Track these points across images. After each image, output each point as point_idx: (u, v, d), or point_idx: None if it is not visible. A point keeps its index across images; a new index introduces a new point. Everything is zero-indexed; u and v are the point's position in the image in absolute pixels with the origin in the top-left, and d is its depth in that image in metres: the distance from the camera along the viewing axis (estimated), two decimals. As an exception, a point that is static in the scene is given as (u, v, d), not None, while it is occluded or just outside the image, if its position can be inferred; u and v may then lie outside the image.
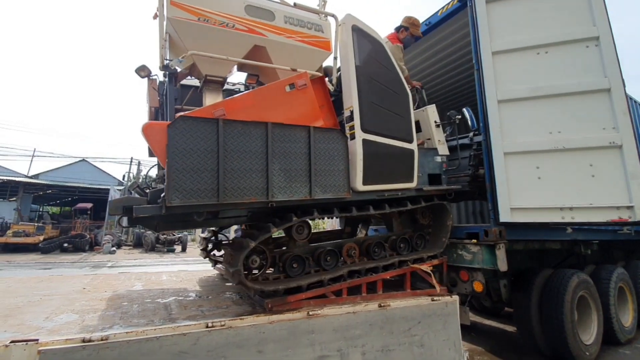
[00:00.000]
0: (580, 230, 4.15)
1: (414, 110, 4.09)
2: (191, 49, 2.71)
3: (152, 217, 2.48)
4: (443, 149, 3.94)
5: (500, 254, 3.52)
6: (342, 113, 3.24)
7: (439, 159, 3.89)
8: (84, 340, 1.94)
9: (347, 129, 3.10)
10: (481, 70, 3.74)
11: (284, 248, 3.39)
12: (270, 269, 2.92)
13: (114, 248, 17.32)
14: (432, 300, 3.09)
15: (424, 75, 5.83)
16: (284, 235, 3.45)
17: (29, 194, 23.33)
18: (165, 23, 2.70)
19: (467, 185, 4.09)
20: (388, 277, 3.23)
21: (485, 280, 3.76)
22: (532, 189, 3.48)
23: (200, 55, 2.73)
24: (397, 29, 4.17)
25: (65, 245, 16.81)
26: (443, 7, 4.33)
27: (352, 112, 3.03)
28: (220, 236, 4.36)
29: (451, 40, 4.80)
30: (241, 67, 3.17)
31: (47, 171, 30.94)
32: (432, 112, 4.00)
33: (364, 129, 3.05)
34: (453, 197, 4.37)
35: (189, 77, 3.33)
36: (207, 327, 2.17)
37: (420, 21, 4.29)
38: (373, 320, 2.72)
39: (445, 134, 4.36)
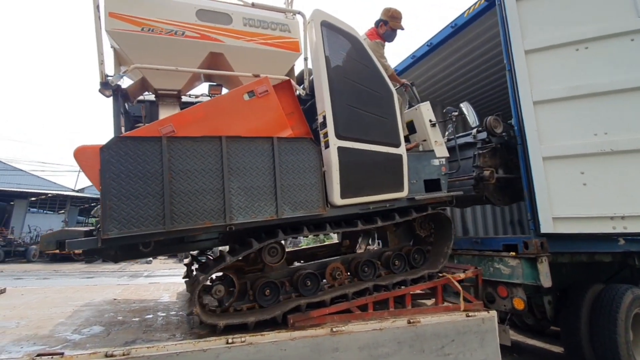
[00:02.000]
0: (634, 241, 3.74)
1: (407, 109, 3.84)
2: (137, 61, 2.52)
3: (108, 247, 2.28)
4: (441, 151, 3.48)
5: (543, 268, 3.23)
6: (316, 120, 2.94)
7: (436, 162, 3.42)
8: (106, 355, 1.94)
9: (321, 136, 2.80)
10: (513, 71, 3.53)
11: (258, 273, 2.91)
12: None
13: (151, 258, 17.99)
14: (467, 316, 2.86)
15: (452, 79, 5.63)
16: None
17: (75, 206, 24.97)
18: (104, 36, 2.48)
19: (472, 188, 3.74)
20: (418, 291, 3.05)
21: (526, 297, 3.46)
22: (576, 196, 3.19)
23: (145, 68, 2.54)
24: (377, 24, 3.82)
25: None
26: (470, 8, 4.15)
27: (324, 117, 2.72)
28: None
29: (479, 42, 4.59)
30: (207, 78, 2.98)
31: (91, 185, 32.95)
32: (426, 110, 3.60)
33: (339, 136, 2.72)
34: (457, 203, 4.03)
35: (146, 93, 3.09)
36: (227, 343, 2.11)
37: (402, 14, 3.82)
38: (402, 337, 2.54)
39: (447, 133, 4.08)
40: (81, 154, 2.19)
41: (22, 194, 23.32)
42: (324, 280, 2.86)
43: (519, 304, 3.41)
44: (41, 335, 2.33)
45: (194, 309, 2.25)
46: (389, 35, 3.79)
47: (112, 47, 2.63)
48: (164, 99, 2.80)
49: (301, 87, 3.15)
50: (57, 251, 2.17)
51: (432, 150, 3.45)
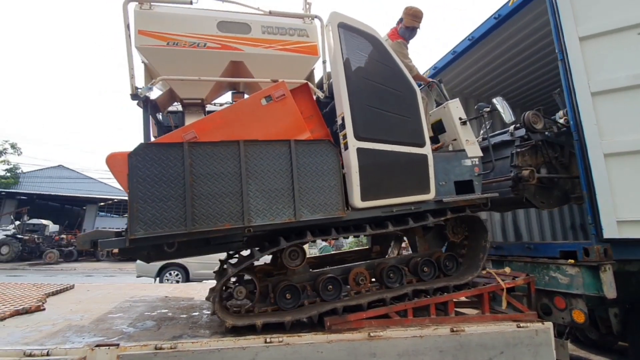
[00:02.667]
0: None
1: (435, 109, 3.66)
2: (164, 73, 2.66)
3: (140, 248, 2.40)
4: (473, 150, 3.27)
5: (607, 277, 2.92)
6: (336, 122, 2.91)
7: (468, 162, 3.22)
8: (156, 348, 2.09)
9: (340, 138, 2.77)
10: (566, 60, 3.25)
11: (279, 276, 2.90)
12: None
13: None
14: (518, 326, 2.66)
15: (496, 74, 5.31)
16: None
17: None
18: (133, 51, 2.65)
19: (511, 190, 3.44)
20: (463, 298, 2.89)
21: (588, 309, 3.14)
22: (646, 196, 2.84)
23: (170, 79, 2.69)
24: (398, 23, 3.71)
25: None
26: (514, -4, 3.90)
27: (343, 119, 2.70)
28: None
29: (526, 33, 4.28)
30: (231, 86, 3.05)
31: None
32: (454, 108, 3.41)
33: (358, 137, 2.68)
34: (495, 207, 3.80)
35: (176, 103, 3.21)
36: (265, 342, 2.17)
37: (423, 14, 3.64)
38: (444, 346, 2.42)
39: (482, 132, 3.80)
40: (112, 160, 2.35)
41: (93, 200, 25.98)
42: (348, 286, 2.81)
43: (579, 316, 3.10)
44: (101, 327, 2.55)
45: (214, 308, 2.34)
46: (409, 34, 3.68)
47: (142, 61, 2.81)
48: (190, 108, 2.94)
49: (321, 90, 3.17)
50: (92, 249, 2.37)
51: (463, 150, 3.25)
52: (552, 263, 3.28)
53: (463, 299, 3.19)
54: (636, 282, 3.60)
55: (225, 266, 2.72)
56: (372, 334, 2.34)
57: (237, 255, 2.84)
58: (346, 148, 2.68)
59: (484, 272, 3.20)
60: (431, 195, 2.91)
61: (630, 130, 2.94)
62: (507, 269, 3.47)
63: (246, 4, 2.98)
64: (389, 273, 2.87)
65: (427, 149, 2.96)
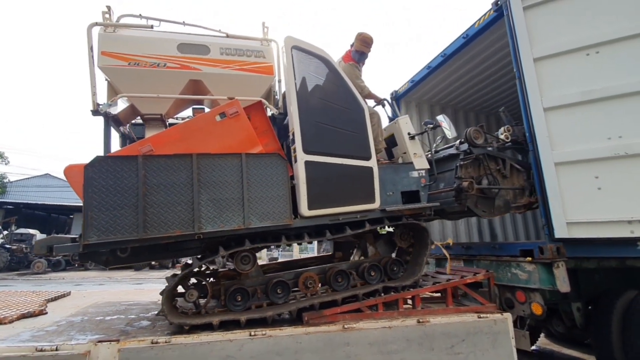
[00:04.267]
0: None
1: (389, 123, 3.92)
2: (125, 91, 2.89)
3: (101, 252, 2.57)
4: (420, 163, 3.52)
5: (560, 273, 3.25)
6: (289, 137, 3.11)
7: (415, 174, 3.46)
8: (152, 342, 2.34)
9: (292, 152, 2.96)
10: (523, 79, 3.61)
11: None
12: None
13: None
14: (479, 317, 2.98)
15: (467, 87, 5.71)
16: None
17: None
18: (97, 71, 2.83)
19: (454, 201, 3.62)
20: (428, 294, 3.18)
21: (546, 302, 3.46)
22: (591, 200, 3.20)
23: (130, 96, 2.91)
24: (350, 46, 3.98)
25: (153, 263, 18.99)
26: (480, 19, 4.27)
27: (294, 134, 2.91)
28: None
29: (491, 51, 4.67)
30: (194, 102, 3.28)
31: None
32: (404, 124, 3.68)
33: (307, 151, 2.88)
34: (447, 215, 4.13)
35: (138, 118, 3.36)
36: (250, 335, 2.44)
37: (373, 40, 3.88)
38: (411, 335, 2.73)
39: (434, 145, 4.08)
40: (69, 172, 2.53)
41: (80, 208, 25.50)
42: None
43: (537, 309, 3.43)
44: (101, 327, 2.79)
45: (162, 308, 2.54)
46: (359, 57, 3.91)
47: (105, 79, 2.99)
48: (150, 122, 3.13)
49: (277, 107, 3.40)
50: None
51: (411, 163, 3.50)
52: (513, 261, 3.60)
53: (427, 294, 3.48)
54: (599, 279, 3.94)
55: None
56: (346, 326, 2.63)
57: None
58: (296, 161, 2.88)
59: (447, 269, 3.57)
60: (376, 205, 3.12)
61: (578, 142, 3.30)
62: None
63: (208, 27, 3.25)
64: (337, 277, 3.07)
65: (372, 162, 3.17)
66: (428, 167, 3.54)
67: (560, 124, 3.40)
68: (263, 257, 22.15)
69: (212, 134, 2.75)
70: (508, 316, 3.06)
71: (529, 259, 3.45)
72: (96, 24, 2.83)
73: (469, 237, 6.18)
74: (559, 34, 3.50)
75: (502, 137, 3.91)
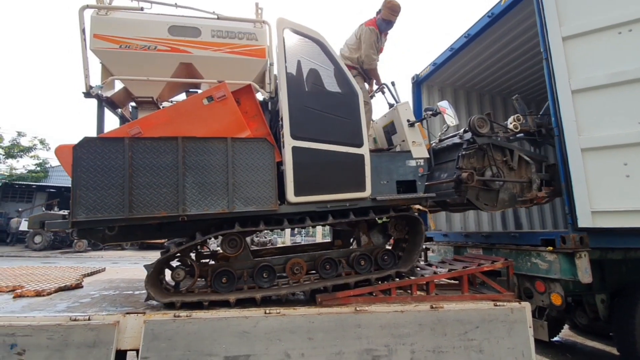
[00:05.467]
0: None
1: (389, 110, 3.78)
2: (118, 74, 2.90)
3: (97, 230, 2.65)
4: (419, 152, 3.35)
5: (582, 263, 3.14)
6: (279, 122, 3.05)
7: (413, 162, 3.30)
8: (174, 316, 2.51)
9: (281, 137, 2.92)
10: (550, 60, 3.43)
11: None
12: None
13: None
14: (495, 305, 2.96)
15: (492, 71, 5.47)
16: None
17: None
18: (90, 54, 2.84)
19: (454, 192, 3.37)
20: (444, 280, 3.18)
21: (569, 293, 3.37)
22: (619, 188, 3.06)
23: (121, 79, 2.93)
24: (377, 13, 3.82)
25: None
26: (506, -4, 4.07)
27: (283, 119, 2.85)
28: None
29: (519, 30, 4.44)
30: (189, 85, 3.25)
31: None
32: (403, 111, 3.51)
33: (294, 136, 2.83)
34: (448, 207, 3.91)
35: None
36: (265, 313, 2.56)
37: (400, 8, 3.73)
38: (423, 320, 2.76)
39: (439, 134, 3.91)
40: (60, 152, 2.60)
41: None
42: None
43: (557, 299, 3.35)
44: (130, 300, 3.01)
45: (147, 288, 2.64)
46: (385, 26, 3.77)
47: (100, 62, 3.01)
48: (143, 105, 3.15)
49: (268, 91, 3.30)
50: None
51: (409, 151, 3.36)
52: (534, 250, 3.51)
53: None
54: (625, 270, 3.80)
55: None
56: (358, 309, 2.70)
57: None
58: (284, 146, 2.86)
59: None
60: (367, 194, 3.03)
61: (607, 127, 3.14)
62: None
63: (201, 9, 3.18)
64: (325, 265, 3.06)
65: (364, 149, 3.07)
66: (427, 156, 3.39)
67: (589, 108, 3.22)
68: (287, 241, 22.62)
69: (199, 118, 2.75)
70: (526, 305, 3.02)
71: (550, 248, 3.35)
72: (87, 6, 2.86)
73: (491, 225, 6.06)
74: (589, 11, 3.29)
75: (511, 126, 3.67)
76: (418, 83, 5.88)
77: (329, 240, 4.40)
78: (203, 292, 2.83)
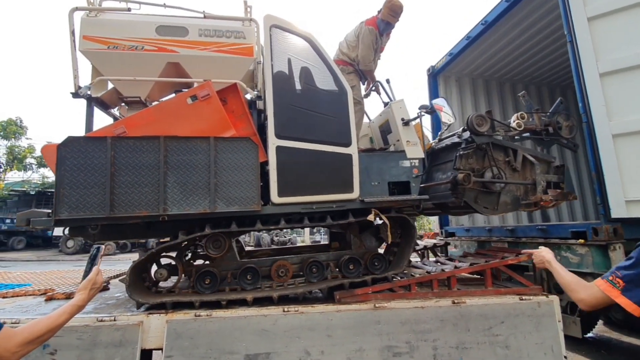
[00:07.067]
0: None
1: (384, 108, 3.63)
2: (107, 74, 2.92)
3: (86, 227, 2.63)
4: (414, 151, 3.19)
5: (616, 256, 2.97)
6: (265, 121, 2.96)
7: (407, 163, 3.16)
8: (196, 315, 2.55)
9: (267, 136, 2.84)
10: (575, 42, 3.26)
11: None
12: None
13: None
14: (520, 299, 2.84)
15: (512, 59, 5.26)
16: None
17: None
18: (79, 55, 2.86)
19: (450, 194, 3.09)
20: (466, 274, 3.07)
21: (603, 288, 3.18)
22: (655, 175, 2.86)
23: (108, 79, 2.96)
24: (378, 12, 3.71)
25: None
26: (525, -21, 3.89)
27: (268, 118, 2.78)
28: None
29: (539, 14, 4.24)
30: (177, 85, 3.22)
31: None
32: (397, 109, 3.34)
33: (279, 135, 2.77)
34: (448, 210, 3.68)
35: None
36: (283, 311, 2.56)
37: (402, 9, 3.60)
38: (445, 316, 2.68)
39: (440, 133, 3.69)
40: (45, 151, 2.66)
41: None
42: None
43: (590, 294, 3.17)
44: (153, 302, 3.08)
45: (126, 285, 2.58)
46: (384, 27, 3.67)
47: (91, 63, 3.03)
48: (131, 105, 3.18)
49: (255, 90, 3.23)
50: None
51: (403, 151, 3.20)
52: (563, 243, 3.36)
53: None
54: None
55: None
56: (377, 305, 2.65)
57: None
58: (268, 146, 2.78)
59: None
60: (354, 195, 2.92)
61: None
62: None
63: (190, 9, 3.19)
64: (312, 268, 2.96)
65: (352, 149, 2.96)
66: (422, 156, 3.23)
67: (619, 91, 3.04)
68: (306, 240, 22.69)
69: (183, 117, 2.74)
70: (554, 299, 2.88)
71: (582, 241, 3.19)
72: (77, 8, 2.91)
73: (517, 219, 5.84)
74: (617, -12, 3.09)
75: (514, 124, 3.32)
76: (434, 75, 5.74)
77: (325, 243, 4.25)
78: (233, 289, 2.81)
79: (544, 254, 1.83)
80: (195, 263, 3.09)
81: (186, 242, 2.96)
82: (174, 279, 2.93)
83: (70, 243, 19.68)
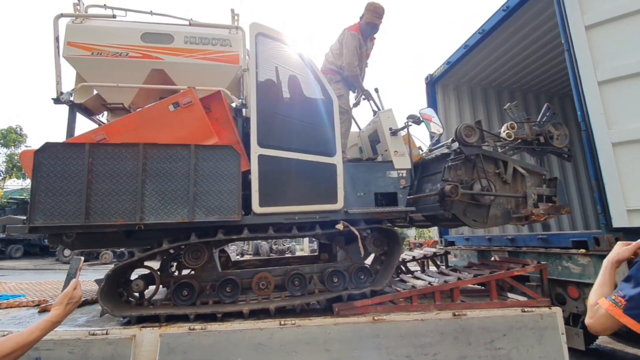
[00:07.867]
0: None
1: (373, 117, 3.58)
2: (91, 80, 2.90)
3: (66, 235, 2.54)
4: (401, 162, 3.14)
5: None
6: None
7: (394, 174, 3.11)
8: (190, 329, 2.48)
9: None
10: (573, 51, 3.26)
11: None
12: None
13: (238, 257, 19.96)
14: (523, 311, 2.77)
15: (509, 67, 5.27)
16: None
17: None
18: (63, 61, 2.83)
19: (438, 206, 3.01)
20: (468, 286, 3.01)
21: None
22: (657, 183, 2.82)
23: (91, 85, 2.92)
24: (360, 18, 3.71)
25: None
26: (522, -12, 3.91)
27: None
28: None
29: (536, 23, 4.26)
30: (162, 92, 3.17)
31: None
32: (385, 118, 3.30)
33: (261, 144, 2.71)
34: (436, 222, 3.60)
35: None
36: (280, 324, 2.49)
37: (384, 11, 3.62)
38: (445, 329, 2.61)
39: (429, 144, 3.64)
40: (23, 157, 2.64)
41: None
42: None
43: (593, 305, 3.11)
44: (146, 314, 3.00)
45: (98, 299, 2.52)
46: (369, 31, 3.66)
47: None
48: (115, 112, 3.16)
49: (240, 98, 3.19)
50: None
51: (391, 161, 3.15)
52: (565, 253, 3.31)
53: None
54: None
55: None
56: (376, 318, 2.58)
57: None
58: (250, 154, 2.74)
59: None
60: (338, 206, 2.85)
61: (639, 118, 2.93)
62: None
63: (176, 16, 3.18)
64: (294, 280, 2.88)
65: (336, 159, 2.91)
66: (409, 167, 3.19)
67: (618, 99, 3.02)
68: (305, 248, 22.54)
69: (165, 124, 2.69)
70: (557, 310, 2.82)
71: (583, 250, 3.14)
72: (62, 15, 2.90)
73: (517, 227, 5.78)
74: (614, -3, 3.10)
75: (504, 134, 3.22)
76: (432, 83, 5.74)
77: (315, 254, 4.13)
78: (224, 302, 2.73)
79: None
80: (176, 274, 3.00)
81: (172, 252, 2.87)
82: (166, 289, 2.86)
83: (67, 252, 19.52)
